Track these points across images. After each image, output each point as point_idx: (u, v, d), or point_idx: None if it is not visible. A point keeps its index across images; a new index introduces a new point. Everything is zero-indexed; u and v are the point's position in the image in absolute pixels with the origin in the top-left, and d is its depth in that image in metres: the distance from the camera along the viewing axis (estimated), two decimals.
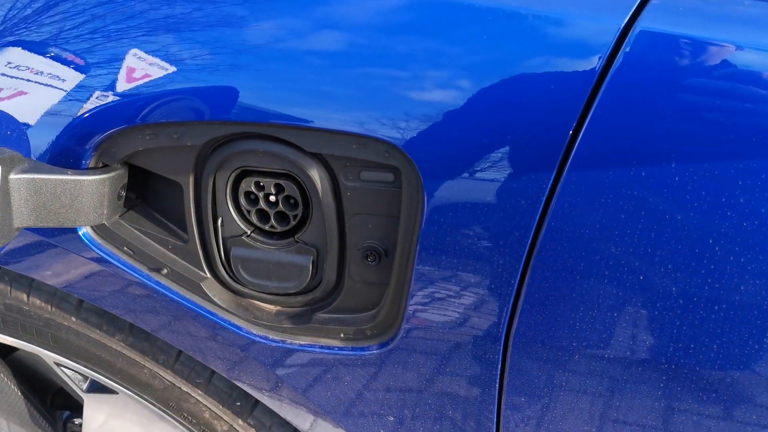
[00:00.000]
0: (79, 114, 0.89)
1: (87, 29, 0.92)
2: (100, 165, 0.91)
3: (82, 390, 1.31)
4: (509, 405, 0.91)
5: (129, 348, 1.14)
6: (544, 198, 0.77)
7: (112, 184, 0.91)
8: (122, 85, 0.87)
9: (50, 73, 0.92)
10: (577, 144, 0.74)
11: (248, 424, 1.18)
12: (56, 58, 0.93)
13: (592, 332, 0.82)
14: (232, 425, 1.18)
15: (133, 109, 0.88)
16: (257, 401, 1.16)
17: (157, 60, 0.87)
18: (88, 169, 0.91)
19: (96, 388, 1.30)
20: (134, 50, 0.88)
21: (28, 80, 0.93)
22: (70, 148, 0.91)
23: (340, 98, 0.81)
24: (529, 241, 0.79)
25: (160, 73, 0.86)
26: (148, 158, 0.92)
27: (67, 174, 0.86)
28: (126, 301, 1.05)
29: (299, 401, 1.05)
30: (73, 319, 1.15)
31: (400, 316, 0.91)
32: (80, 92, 0.89)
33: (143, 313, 1.05)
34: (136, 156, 0.91)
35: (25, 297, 1.15)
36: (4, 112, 0.94)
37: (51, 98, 0.91)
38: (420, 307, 0.88)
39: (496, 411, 0.93)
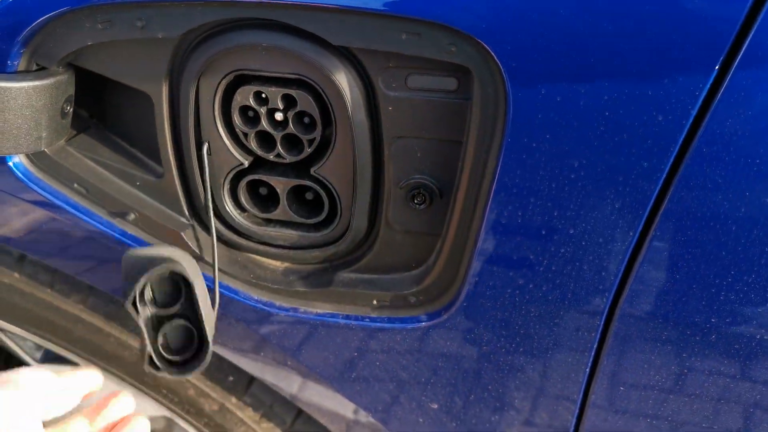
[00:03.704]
0: None
1: None
2: (35, 68, 0.66)
3: (36, 361, 1.08)
4: (598, 397, 0.69)
5: (89, 312, 0.92)
6: (694, 113, 0.52)
7: (52, 96, 0.66)
8: None
9: None
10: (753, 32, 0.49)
11: (243, 402, 0.96)
12: None
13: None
14: (223, 404, 0.96)
15: None
16: (253, 377, 0.92)
17: None
18: (16, 72, 0.67)
19: (52, 357, 1.06)
20: None
21: None
22: None
23: None
24: (662, 180, 0.55)
25: None
26: (103, 58, 0.68)
27: None
28: (81, 256, 0.80)
29: (314, 385, 0.81)
30: (16, 275, 0.93)
31: (460, 278, 0.67)
32: None
33: (105, 270, 0.79)
34: (86, 55, 0.69)
35: None
36: None
37: None
38: (490, 266, 0.63)
39: (580, 403, 0.70)
